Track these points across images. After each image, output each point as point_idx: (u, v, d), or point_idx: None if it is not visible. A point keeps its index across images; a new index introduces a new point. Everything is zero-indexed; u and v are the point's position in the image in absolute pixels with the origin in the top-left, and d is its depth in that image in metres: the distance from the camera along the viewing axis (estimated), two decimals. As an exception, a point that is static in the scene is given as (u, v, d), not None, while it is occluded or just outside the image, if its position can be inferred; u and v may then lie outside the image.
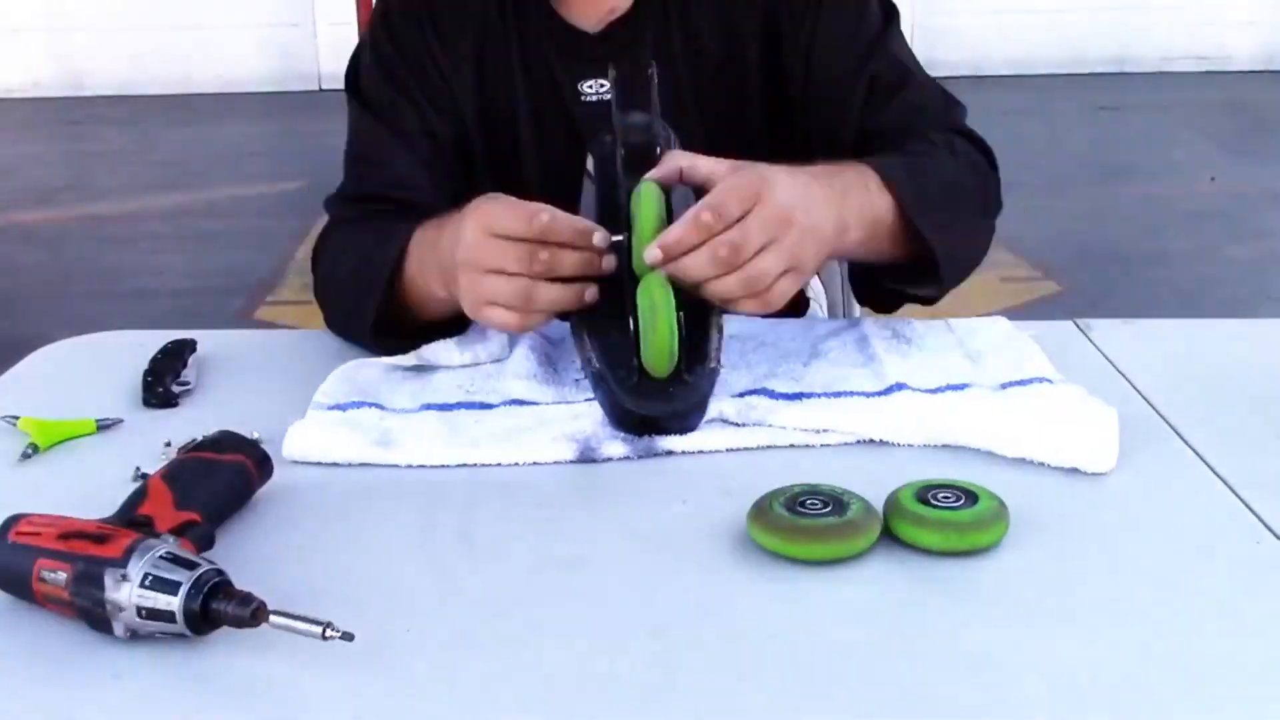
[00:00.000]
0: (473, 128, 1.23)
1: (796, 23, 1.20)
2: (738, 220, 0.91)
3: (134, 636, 0.70)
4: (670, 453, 0.92)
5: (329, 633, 0.67)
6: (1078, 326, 1.18)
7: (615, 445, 0.92)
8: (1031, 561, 0.79)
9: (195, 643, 0.70)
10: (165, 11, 7.16)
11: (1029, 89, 6.95)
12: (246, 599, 0.69)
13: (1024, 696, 0.66)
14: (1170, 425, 0.98)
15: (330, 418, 0.96)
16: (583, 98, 1.20)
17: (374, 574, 0.79)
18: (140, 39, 7.18)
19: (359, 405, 0.98)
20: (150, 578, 0.69)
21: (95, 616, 0.70)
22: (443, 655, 0.70)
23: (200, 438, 0.93)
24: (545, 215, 0.93)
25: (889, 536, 0.80)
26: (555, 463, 0.91)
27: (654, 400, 0.93)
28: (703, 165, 0.97)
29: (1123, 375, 1.07)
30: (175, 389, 1.04)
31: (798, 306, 1.36)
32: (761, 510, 0.80)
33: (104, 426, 0.99)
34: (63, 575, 0.71)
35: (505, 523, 0.84)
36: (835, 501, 0.80)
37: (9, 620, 0.74)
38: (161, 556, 0.70)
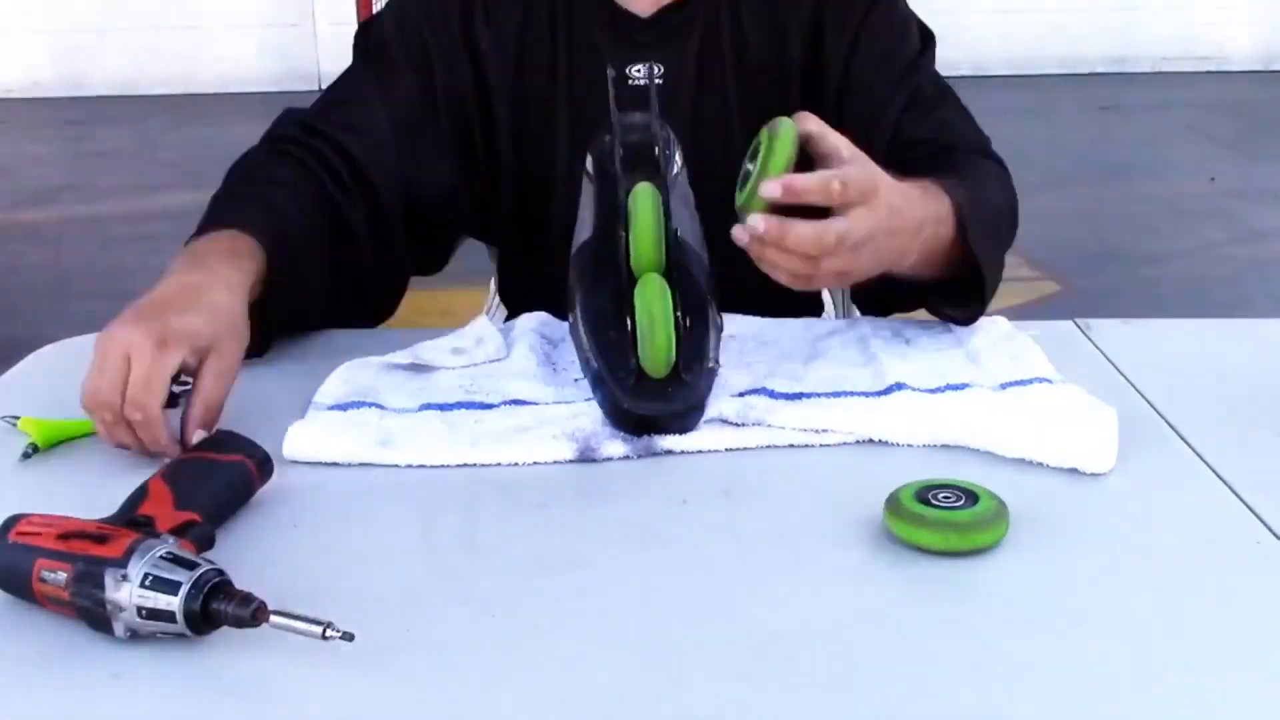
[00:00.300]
0: (503, 104, 1.23)
1: (839, 24, 1.22)
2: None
3: (134, 636, 0.70)
4: (670, 452, 0.92)
5: (329, 633, 0.67)
6: (1078, 326, 1.18)
7: (615, 445, 0.92)
8: (1031, 561, 0.79)
9: (195, 643, 0.70)
10: (165, 11, 7.15)
11: (1029, 89, 6.94)
12: (247, 599, 0.69)
13: (1024, 696, 0.66)
14: (1170, 425, 0.97)
15: (330, 418, 0.96)
16: (630, 81, 1.20)
17: (374, 574, 0.79)
18: (140, 39, 7.17)
19: (359, 405, 0.98)
20: (150, 578, 0.69)
21: (95, 616, 0.70)
22: (443, 655, 0.70)
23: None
24: (138, 415, 0.90)
25: (889, 537, 0.80)
26: (555, 462, 0.91)
27: (652, 400, 0.93)
28: (830, 138, 0.97)
29: (1123, 375, 1.07)
30: (175, 389, 1.04)
31: (814, 307, 1.36)
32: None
33: (104, 426, 0.98)
34: (63, 575, 0.71)
35: (505, 523, 0.84)
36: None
37: (9, 620, 0.74)
38: (162, 557, 0.70)
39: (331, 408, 0.98)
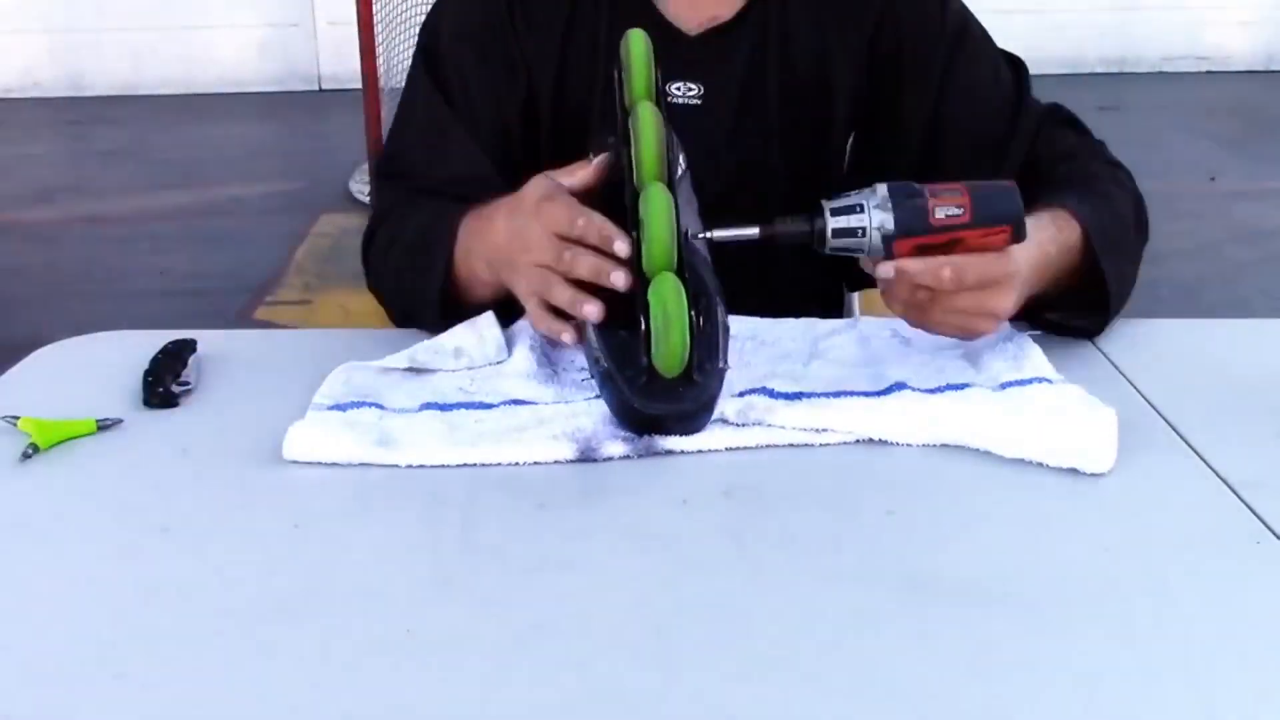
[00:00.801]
0: (545, 115, 1.23)
1: (919, 65, 1.23)
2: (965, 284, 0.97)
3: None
4: (670, 452, 0.92)
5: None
6: (1078, 326, 1.18)
7: (615, 444, 0.92)
8: (1031, 562, 0.79)
9: (194, 643, 0.70)
10: (165, 11, 7.15)
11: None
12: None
13: (1024, 696, 0.66)
14: (1170, 425, 0.97)
15: (330, 418, 0.96)
16: (669, 98, 1.20)
17: (374, 574, 0.79)
18: (140, 39, 7.17)
19: (359, 405, 0.98)
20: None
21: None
22: (443, 655, 0.70)
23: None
24: (582, 219, 0.97)
25: (889, 537, 0.80)
26: (555, 462, 0.91)
27: (662, 400, 0.93)
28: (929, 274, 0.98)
29: (1123, 375, 1.07)
30: (175, 389, 1.04)
31: (811, 308, 1.36)
32: None
33: (104, 426, 0.99)
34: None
35: (505, 523, 0.84)
36: None
37: (9, 620, 0.74)
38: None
39: (331, 408, 0.98)
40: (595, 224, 0.97)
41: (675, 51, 1.20)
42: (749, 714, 0.65)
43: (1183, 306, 3.63)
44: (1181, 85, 7.03)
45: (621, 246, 0.96)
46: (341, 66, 6.24)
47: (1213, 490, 0.88)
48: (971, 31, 1.25)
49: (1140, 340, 1.15)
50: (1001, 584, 0.77)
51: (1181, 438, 0.95)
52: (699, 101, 1.21)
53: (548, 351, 1.08)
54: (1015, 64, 1.27)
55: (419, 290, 1.14)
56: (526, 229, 1.01)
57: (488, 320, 1.10)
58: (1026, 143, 1.22)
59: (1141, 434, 0.96)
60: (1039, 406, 0.96)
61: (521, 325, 1.12)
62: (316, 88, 7.11)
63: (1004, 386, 0.99)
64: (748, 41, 1.21)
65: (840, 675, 0.68)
